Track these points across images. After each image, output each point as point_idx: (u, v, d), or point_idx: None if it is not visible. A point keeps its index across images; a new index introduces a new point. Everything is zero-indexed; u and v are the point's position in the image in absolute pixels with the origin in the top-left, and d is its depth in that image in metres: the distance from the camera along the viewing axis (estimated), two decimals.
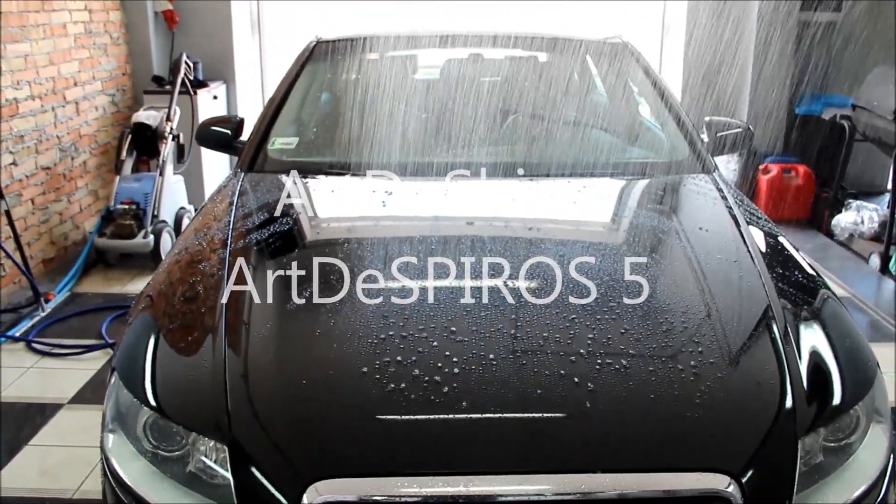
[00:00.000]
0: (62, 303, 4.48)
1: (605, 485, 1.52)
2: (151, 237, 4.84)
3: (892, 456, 1.84)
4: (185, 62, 5.39)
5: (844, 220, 5.65)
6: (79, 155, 5.14)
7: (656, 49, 6.79)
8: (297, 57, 3.45)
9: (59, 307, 4.41)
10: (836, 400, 1.78)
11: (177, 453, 1.71)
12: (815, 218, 6.11)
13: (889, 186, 5.27)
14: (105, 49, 5.48)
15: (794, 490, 1.62)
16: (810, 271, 2.26)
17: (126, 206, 4.91)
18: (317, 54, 3.47)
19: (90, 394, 3.49)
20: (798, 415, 1.70)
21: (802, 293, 2.11)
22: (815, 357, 1.87)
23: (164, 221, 5.03)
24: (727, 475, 1.56)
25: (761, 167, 6.21)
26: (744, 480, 1.56)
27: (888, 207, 5.15)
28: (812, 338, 1.94)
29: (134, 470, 1.73)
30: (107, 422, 1.85)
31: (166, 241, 4.92)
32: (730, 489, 1.54)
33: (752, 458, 1.61)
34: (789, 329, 1.91)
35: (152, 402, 1.76)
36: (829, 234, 5.81)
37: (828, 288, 2.19)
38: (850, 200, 5.80)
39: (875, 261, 5.16)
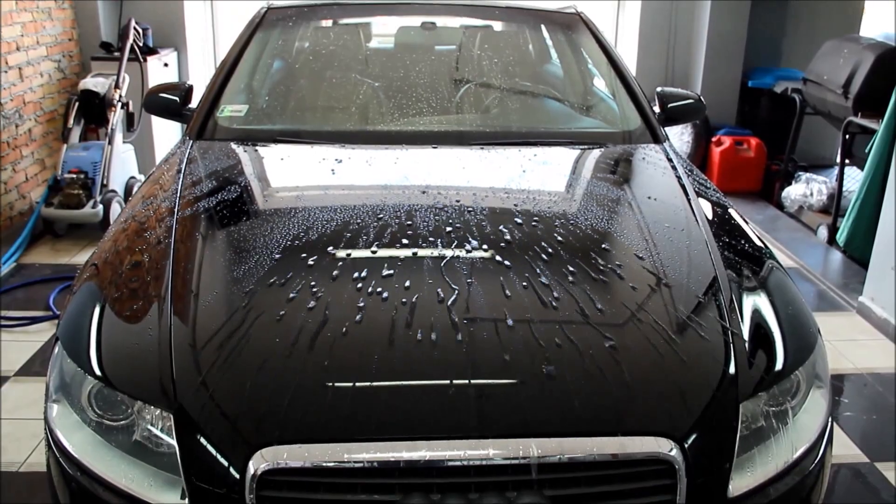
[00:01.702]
0: (7, 274, 4.38)
1: (551, 449, 1.54)
2: (100, 207, 4.75)
3: (829, 419, 1.89)
4: (135, 28, 5.27)
5: (794, 193, 5.76)
6: (23, 122, 5.00)
7: (611, 20, 6.81)
8: (248, 23, 3.38)
9: (4, 278, 4.32)
10: (778, 366, 1.82)
11: (122, 422, 1.69)
12: (766, 190, 6.22)
13: (838, 160, 5.37)
14: (49, 13, 5.32)
15: (735, 453, 1.66)
16: (756, 241, 2.29)
17: (74, 176, 4.81)
18: (268, 20, 3.41)
19: (38, 366, 3.44)
20: (740, 380, 1.73)
21: (748, 262, 2.15)
22: (758, 324, 1.91)
23: (113, 191, 4.93)
24: (670, 439, 1.58)
25: (714, 139, 6.29)
26: (686, 445, 1.59)
27: (836, 180, 5.26)
28: (756, 305, 1.97)
29: (78, 440, 1.71)
30: (51, 392, 1.82)
31: (116, 211, 4.82)
32: (672, 453, 1.57)
33: (695, 422, 1.64)
34: (734, 297, 1.94)
35: (97, 371, 1.73)
36: (780, 205, 5.92)
37: (773, 257, 2.23)
38: (800, 173, 5.91)
39: (823, 232, 5.27)
